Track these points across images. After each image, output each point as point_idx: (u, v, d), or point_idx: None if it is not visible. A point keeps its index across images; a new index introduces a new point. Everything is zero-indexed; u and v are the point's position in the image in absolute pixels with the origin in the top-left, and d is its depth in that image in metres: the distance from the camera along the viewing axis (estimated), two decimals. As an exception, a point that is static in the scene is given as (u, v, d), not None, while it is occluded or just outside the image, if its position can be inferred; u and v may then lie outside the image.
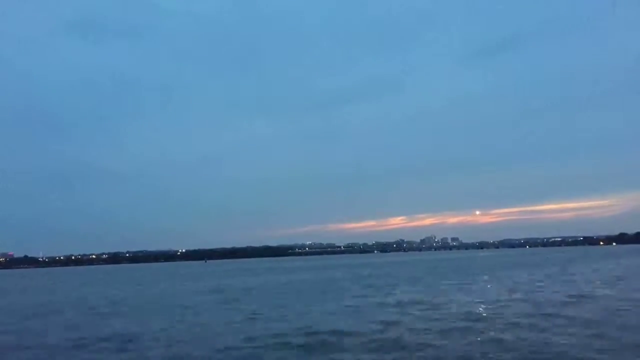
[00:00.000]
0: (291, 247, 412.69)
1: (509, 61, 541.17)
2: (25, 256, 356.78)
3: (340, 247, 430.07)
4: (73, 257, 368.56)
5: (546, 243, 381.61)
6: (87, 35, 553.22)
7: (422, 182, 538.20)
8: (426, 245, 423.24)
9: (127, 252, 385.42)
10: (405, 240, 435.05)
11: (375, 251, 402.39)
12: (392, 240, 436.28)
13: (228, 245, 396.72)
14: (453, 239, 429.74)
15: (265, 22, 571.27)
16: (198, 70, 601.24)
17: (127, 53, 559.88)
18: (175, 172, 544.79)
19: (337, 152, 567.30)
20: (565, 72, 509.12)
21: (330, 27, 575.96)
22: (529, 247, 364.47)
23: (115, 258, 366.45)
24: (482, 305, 25.84)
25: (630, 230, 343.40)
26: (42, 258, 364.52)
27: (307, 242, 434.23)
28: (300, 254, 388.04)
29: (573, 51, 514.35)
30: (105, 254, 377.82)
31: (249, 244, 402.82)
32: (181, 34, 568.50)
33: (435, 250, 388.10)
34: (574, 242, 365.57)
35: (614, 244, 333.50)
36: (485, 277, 48.75)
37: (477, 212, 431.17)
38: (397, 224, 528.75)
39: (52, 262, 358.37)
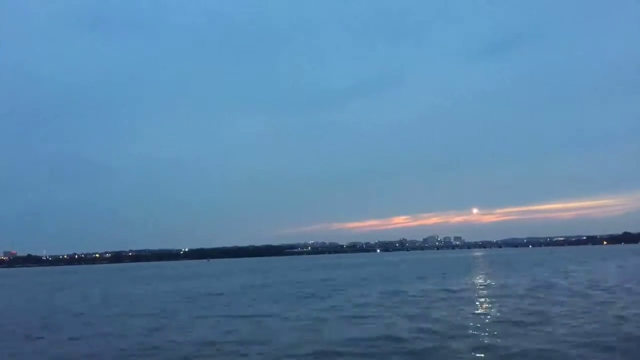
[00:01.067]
0: (293, 246, 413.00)
1: (513, 59, 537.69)
2: (29, 255, 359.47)
3: (343, 246, 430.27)
4: (76, 256, 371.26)
5: (549, 242, 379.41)
6: (91, 28, 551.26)
7: (427, 182, 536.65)
8: (429, 244, 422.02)
9: (130, 251, 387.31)
10: (407, 239, 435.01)
11: (378, 250, 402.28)
12: (395, 239, 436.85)
13: (232, 244, 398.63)
14: (456, 238, 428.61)
15: (269, 16, 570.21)
16: (199, 66, 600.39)
17: (130, 47, 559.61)
18: (179, 170, 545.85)
19: (340, 151, 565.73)
20: (567, 69, 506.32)
21: (337, 21, 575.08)
22: (532, 246, 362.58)
23: (118, 257, 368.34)
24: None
25: (635, 229, 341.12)
26: (46, 257, 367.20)
27: (310, 242, 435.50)
28: (302, 253, 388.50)
29: (576, 47, 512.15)
30: (108, 252, 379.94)
31: (252, 243, 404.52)
32: (184, 29, 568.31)
33: (437, 249, 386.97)
34: (577, 241, 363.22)
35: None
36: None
37: (475, 211, 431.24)
38: (401, 223, 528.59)
39: (56, 260, 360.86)
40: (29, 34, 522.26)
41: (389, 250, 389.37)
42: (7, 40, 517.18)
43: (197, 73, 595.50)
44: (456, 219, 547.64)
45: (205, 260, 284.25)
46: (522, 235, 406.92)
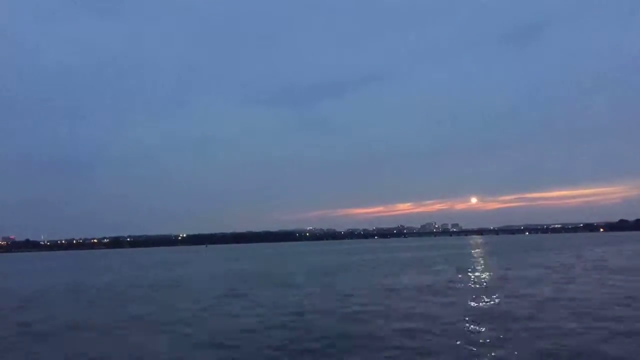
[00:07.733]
0: (292, 233, 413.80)
1: (517, 48, 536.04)
2: (27, 240, 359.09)
3: (341, 232, 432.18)
4: (74, 241, 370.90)
5: (546, 229, 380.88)
6: (95, 11, 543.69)
7: (430, 169, 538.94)
8: (426, 231, 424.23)
9: (129, 236, 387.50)
10: (405, 226, 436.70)
11: (376, 237, 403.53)
12: (395, 225, 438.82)
13: (233, 230, 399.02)
14: (453, 225, 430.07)
15: (273, 5, 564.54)
16: (204, 53, 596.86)
17: (137, 32, 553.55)
18: (178, 156, 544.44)
19: (346, 138, 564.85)
20: (570, 59, 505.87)
21: (345, 8, 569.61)
22: (529, 233, 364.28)
23: (116, 242, 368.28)
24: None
25: (632, 217, 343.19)
26: (44, 242, 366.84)
27: (308, 228, 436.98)
28: (301, 239, 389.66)
29: (575, 38, 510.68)
30: (106, 238, 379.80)
31: (250, 229, 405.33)
32: (192, 15, 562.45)
33: (435, 236, 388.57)
34: (574, 228, 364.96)
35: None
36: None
37: (475, 200, 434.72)
38: (404, 209, 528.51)
39: (54, 246, 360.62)
40: (35, 14, 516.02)
41: (386, 237, 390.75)
42: (12, 23, 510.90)
43: (199, 62, 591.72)
44: (459, 206, 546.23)
45: (203, 246, 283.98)
46: (521, 222, 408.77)
